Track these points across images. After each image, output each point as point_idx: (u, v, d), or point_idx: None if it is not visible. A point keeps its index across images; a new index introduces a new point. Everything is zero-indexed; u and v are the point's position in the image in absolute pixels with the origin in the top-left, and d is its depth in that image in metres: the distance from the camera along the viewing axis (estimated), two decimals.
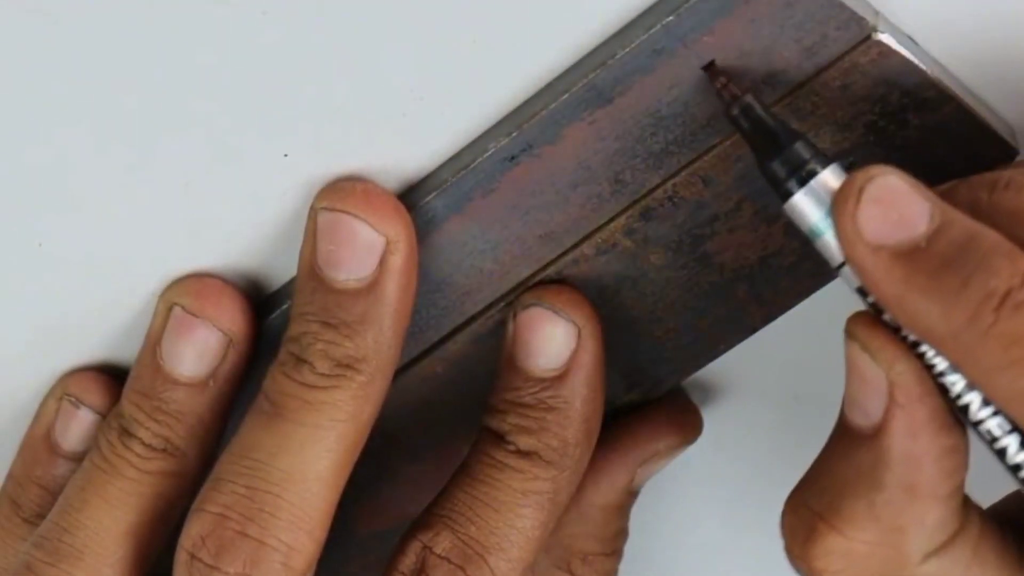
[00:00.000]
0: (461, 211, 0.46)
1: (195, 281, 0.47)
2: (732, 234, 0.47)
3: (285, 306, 0.47)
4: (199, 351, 0.46)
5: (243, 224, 0.46)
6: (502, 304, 0.47)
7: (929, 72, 0.44)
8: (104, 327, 0.48)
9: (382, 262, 0.44)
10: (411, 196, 0.46)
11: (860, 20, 0.43)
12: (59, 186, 0.45)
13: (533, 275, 0.47)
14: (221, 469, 0.45)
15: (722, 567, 0.56)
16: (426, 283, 0.47)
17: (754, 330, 0.48)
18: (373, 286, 0.44)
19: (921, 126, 0.45)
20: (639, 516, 0.52)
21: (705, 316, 0.48)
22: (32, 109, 0.44)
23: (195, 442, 0.47)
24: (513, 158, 0.45)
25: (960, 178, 0.43)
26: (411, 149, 0.45)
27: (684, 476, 0.53)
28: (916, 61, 0.44)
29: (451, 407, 0.49)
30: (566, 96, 0.44)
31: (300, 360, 0.45)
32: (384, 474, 0.50)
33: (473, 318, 0.48)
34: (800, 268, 0.47)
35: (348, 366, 0.44)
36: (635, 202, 0.46)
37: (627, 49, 0.43)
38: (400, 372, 0.48)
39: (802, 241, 0.47)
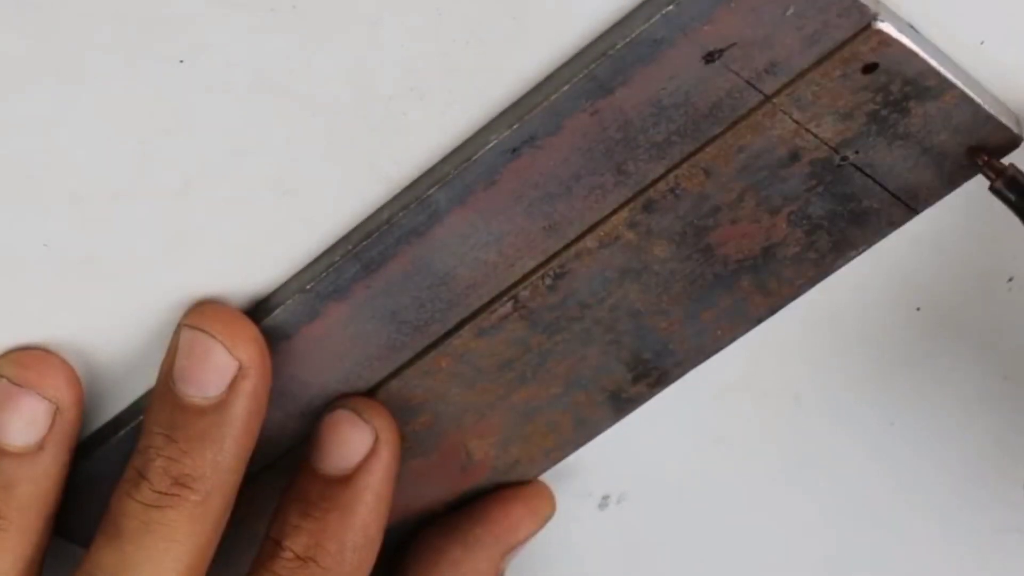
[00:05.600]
0: (463, 203, 0.46)
1: (20, 352, 0.47)
2: (735, 225, 0.47)
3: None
4: (26, 420, 0.46)
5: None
6: (506, 298, 0.47)
7: (929, 60, 0.44)
8: None
9: (232, 385, 0.46)
10: (414, 189, 0.46)
11: (861, 7, 0.43)
12: None
13: (537, 267, 0.47)
14: None
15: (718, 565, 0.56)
16: (430, 276, 0.47)
17: (759, 321, 0.48)
18: (219, 406, 0.46)
19: (924, 114, 0.45)
20: (636, 513, 0.52)
21: (710, 308, 0.48)
22: None
23: (26, 513, 0.47)
24: (515, 150, 0.45)
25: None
26: (413, 144, 0.45)
27: (683, 474, 0.53)
28: (916, 49, 0.44)
29: (456, 400, 0.49)
30: (567, 87, 0.44)
31: (141, 477, 0.45)
32: None
33: (477, 312, 0.48)
34: (804, 258, 0.47)
35: (183, 484, 0.45)
36: (638, 193, 0.46)
37: (627, 39, 0.43)
38: (405, 367, 0.48)
39: (805, 231, 0.47)
